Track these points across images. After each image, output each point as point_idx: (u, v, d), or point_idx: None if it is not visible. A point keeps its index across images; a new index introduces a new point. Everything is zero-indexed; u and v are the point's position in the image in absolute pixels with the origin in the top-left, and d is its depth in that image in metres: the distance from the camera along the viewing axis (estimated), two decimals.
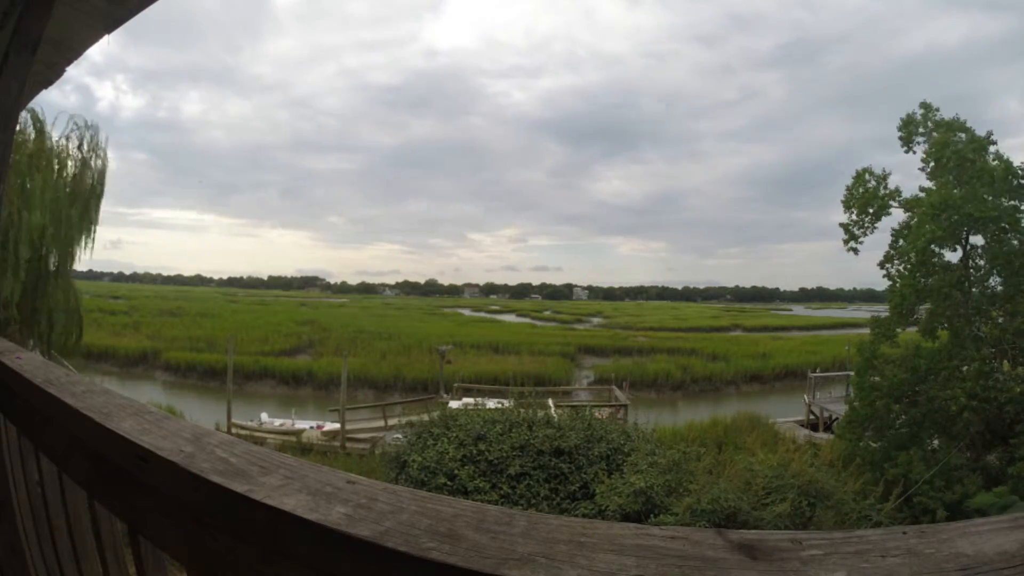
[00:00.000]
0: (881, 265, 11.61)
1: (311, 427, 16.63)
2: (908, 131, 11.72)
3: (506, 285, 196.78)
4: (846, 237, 12.08)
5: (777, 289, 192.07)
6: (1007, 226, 10.49)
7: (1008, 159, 10.72)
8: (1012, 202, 10.60)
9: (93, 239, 10.15)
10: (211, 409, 19.08)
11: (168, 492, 0.68)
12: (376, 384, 25.10)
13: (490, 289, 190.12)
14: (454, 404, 13.61)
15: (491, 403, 11.69)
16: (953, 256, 11.12)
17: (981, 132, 11.09)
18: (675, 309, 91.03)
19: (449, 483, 7.67)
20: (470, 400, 14.10)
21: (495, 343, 34.25)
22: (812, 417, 19.34)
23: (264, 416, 17.50)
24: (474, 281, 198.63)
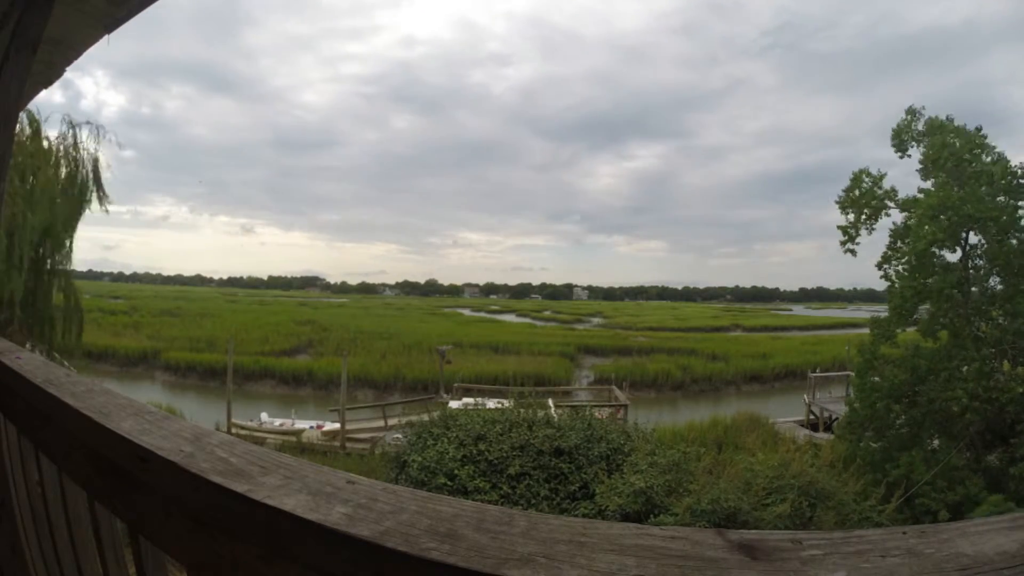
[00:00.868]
0: (879, 266, 11.64)
1: (311, 427, 16.64)
2: (900, 138, 11.76)
3: (506, 285, 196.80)
4: (844, 238, 12.11)
5: (777, 289, 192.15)
6: (1006, 226, 10.50)
7: (1006, 159, 10.74)
8: (1010, 201, 10.61)
9: (84, 238, 10.17)
10: (211, 409, 19.08)
11: (168, 492, 0.68)
12: (376, 384, 25.10)
13: (490, 289, 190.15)
14: (454, 404, 13.62)
15: (491, 403, 11.69)
16: (953, 256, 11.15)
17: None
18: (675, 309, 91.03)
19: (449, 483, 7.67)
20: (470, 400, 14.09)
21: (495, 343, 34.25)
22: (812, 417, 19.34)
23: (264, 416, 17.51)
24: (474, 281, 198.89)
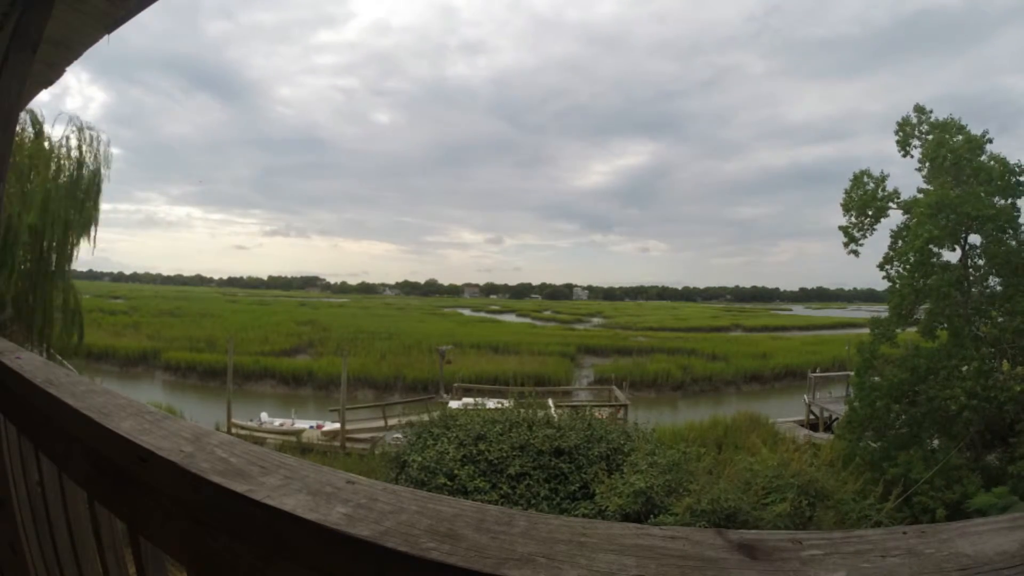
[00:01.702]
0: (881, 267, 11.62)
1: (311, 427, 16.64)
2: (904, 134, 11.73)
3: (506, 285, 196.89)
4: (846, 239, 12.08)
5: (777, 289, 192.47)
6: (1005, 225, 10.50)
7: (1004, 158, 10.73)
8: (1009, 201, 10.61)
9: (93, 239, 10.16)
10: (211, 409, 19.07)
11: (168, 492, 0.68)
12: (376, 384, 25.09)
13: (490, 289, 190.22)
14: (454, 404, 13.61)
15: (491, 403, 11.69)
16: (952, 256, 11.15)
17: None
18: (675, 309, 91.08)
19: (449, 483, 7.66)
20: (470, 400, 14.09)
21: (495, 343, 34.25)
22: (812, 417, 19.34)
23: (264, 416, 17.50)
24: (474, 281, 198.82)
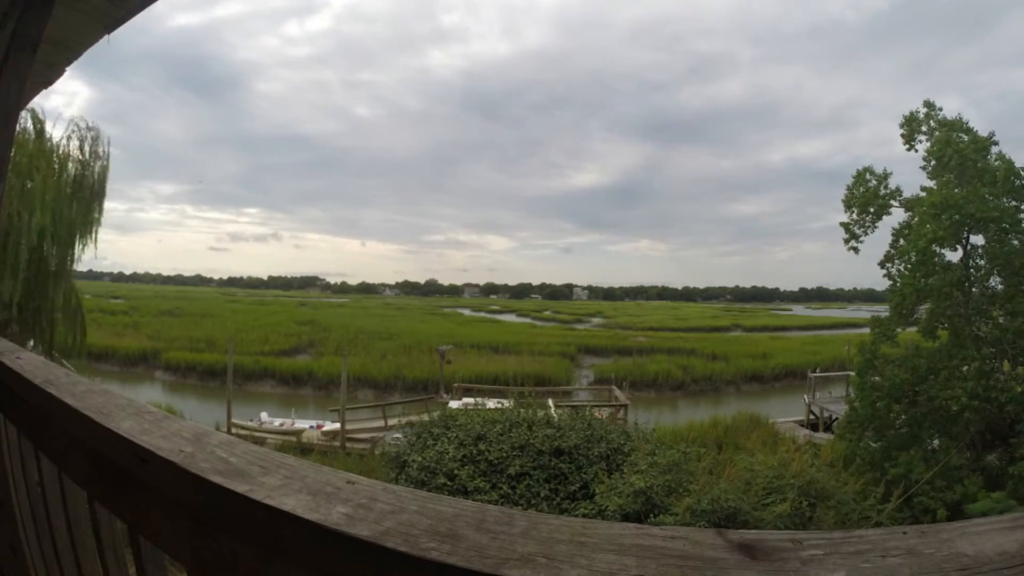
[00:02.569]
0: (882, 265, 11.62)
1: (311, 427, 16.64)
2: (910, 129, 11.71)
3: (506, 285, 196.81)
4: (847, 236, 12.10)
5: (777, 289, 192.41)
6: (1008, 226, 10.49)
7: (1010, 159, 10.73)
8: (1013, 202, 10.60)
9: (96, 240, 10.14)
10: (211, 409, 19.08)
11: (168, 492, 0.68)
12: (376, 384, 25.10)
13: (490, 289, 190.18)
14: (454, 404, 13.62)
15: (491, 403, 11.68)
16: (954, 256, 11.14)
17: None
18: (675, 309, 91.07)
19: (449, 483, 7.66)
20: (470, 400, 14.09)
21: (495, 343, 34.25)
22: (812, 417, 19.34)
23: (264, 416, 17.51)
24: (474, 281, 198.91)
